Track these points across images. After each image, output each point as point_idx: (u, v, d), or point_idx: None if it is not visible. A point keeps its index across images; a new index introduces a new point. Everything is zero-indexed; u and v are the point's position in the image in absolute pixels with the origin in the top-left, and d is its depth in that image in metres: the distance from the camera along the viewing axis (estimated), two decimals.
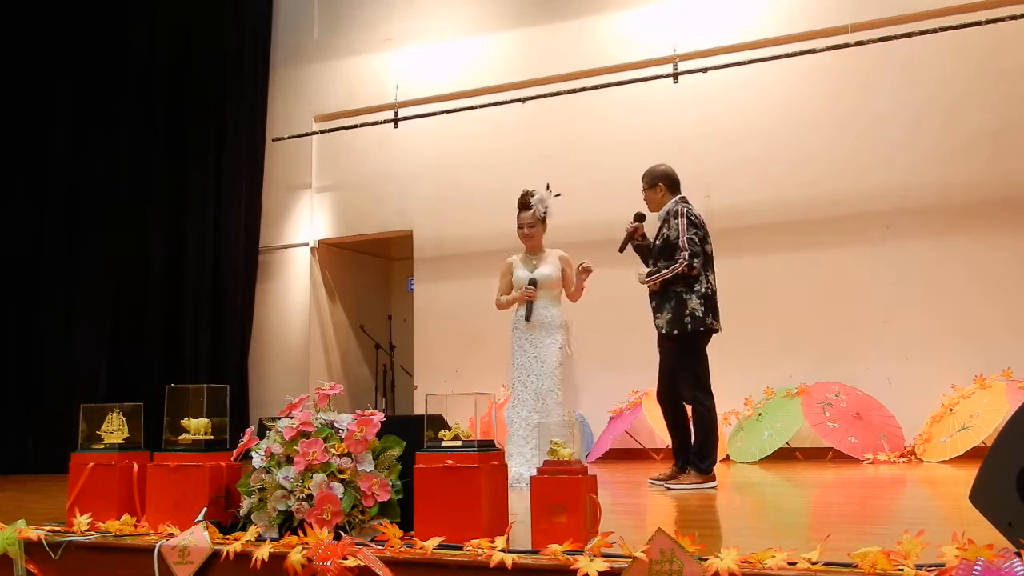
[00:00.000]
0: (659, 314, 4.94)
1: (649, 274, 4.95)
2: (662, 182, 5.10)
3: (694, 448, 4.90)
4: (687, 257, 4.80)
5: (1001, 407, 6.24)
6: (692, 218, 4.91)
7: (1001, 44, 7.06)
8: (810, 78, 7.64)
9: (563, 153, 8.30)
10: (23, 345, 8.05)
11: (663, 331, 4.91)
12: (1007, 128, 7.05)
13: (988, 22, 6.85)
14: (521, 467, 4.98)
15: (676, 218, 4.91)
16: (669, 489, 4.76)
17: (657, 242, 5.00)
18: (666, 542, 2.18)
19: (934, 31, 7.00)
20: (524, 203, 5.35)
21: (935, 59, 7.28)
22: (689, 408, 5.00)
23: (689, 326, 4.84)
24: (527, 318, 5.22)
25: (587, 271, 5.26)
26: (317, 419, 2.97)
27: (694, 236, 4.86)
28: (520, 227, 5.37)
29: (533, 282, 5.24)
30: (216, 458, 3.15)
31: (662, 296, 4.92)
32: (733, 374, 7.20)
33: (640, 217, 5.21)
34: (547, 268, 5.30)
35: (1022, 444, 2.27)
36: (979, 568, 1.92)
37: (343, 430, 2.92)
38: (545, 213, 5.34)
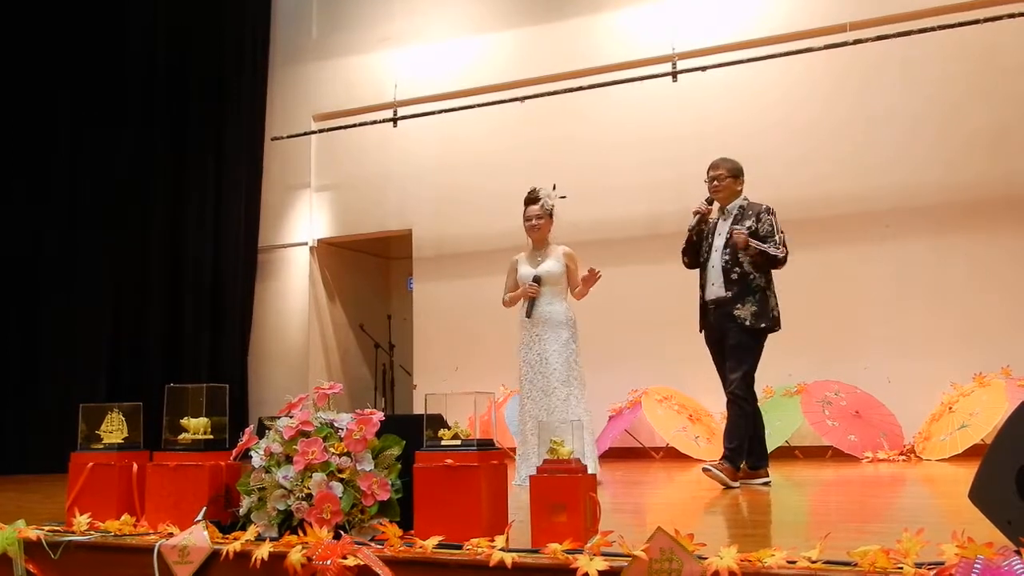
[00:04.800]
0: (740, 305, 4.85)
1: (753, 238, 4.85)
2: (742, 176, 5.11)
3: (732, 445, 4.81)
4: (786, 252, 4.90)
5: (1000, 405, 6.24)
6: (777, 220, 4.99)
7: (1000, 43, 7.07)
8: (809, 77, 7.65)
9: (562, 152, 8.30)
10: (23, 345, 8.05)
11: (747, 323, 4.83)
12: (1006, 127, 7.05)
13: (987, 20, 6.86)
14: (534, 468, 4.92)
15: (770, 215, 4.96)
16: (708, 471, 4.69)
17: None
18: (666, 541, 2.17)
19: (932, 29, 7.00)
20: (532, 197, 5.35)
21: (934, 58, 7.28)
22: (729, 402, 4.91)
23: (771, 322, 4.90)
24: (528, 315, 5.19)
25: (594, 277, 5.21)
26: (316, 418, 2.96)
27: (783, 236, 4.95)
28: (527, 219, 5.34)
29: (537, 279, 5.22)
30: (215, 457, 3.14)
31: (746, 288, 4.86)
32: None
33: (711, 201, 5.13)
34: (550, 264, 5.29)
35: (1022, 442, 2.27)
36: (979, 566, 1.92)
37: (342, 429, 2.91)
38: (552, 208, 5.34)
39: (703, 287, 5.07)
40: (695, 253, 5.14)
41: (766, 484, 4.90)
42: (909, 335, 7.10)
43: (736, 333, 4.87)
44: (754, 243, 4.83)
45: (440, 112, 8.68)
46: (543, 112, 8.38)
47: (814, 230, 7.50)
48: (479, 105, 8.54)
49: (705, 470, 4.73)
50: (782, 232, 4.96)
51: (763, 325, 4.87)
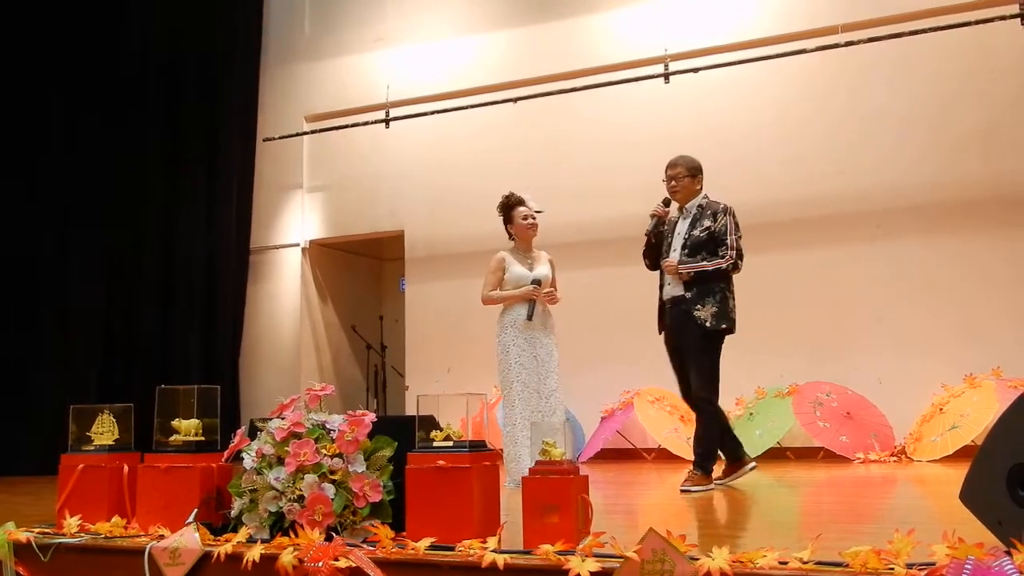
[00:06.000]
0: (700, 307, 4.78)
1: (683, 262, 4.82)
2: (700, 175, 5.03)
3: (702, 449, 4.80)
4: (735, 256, 4.81)
5: (991, 406, 6.26)
6: (737, 220, 4.90)
7: (991, 44, 7.09)
8: (801, 78, 7.66)
9: (554, 153, 8.30)
10: (14, 346, 8.02)
11: (707, 324, 4.77)
12: (997, 128, 7.08)
13: (977, 22, 6.88)
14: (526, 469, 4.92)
15: (726, 215, 4.87)
16: (688, 492, 4.62)
17: (698, 233, 4.87)
18: (658, 542, 2.18)
19: (924, 31, 7.02)
20: (518, 200, 5.34)
21: (925, 59, 7.31)
22: (696, 409, 4.91)
23: (730, 324, 4.84)
24: (530, 317, 5.15)
25: (539, 295, 5.22)
26: (308, 420, 2.96)
27: (739, 238, 4.87)
28: (525, 219, 5.30)
29: (537, 281, 5.21)
30: (207, 459, 3.14)
31: (704, 289, 4.81)
32: (724, 374, 7.18)
33: (668, 203, 5.10)
34: (545, 268, 5.29)
35: (1012, 443, 2.28)
36: (969, 566, 1.93)
37: (334, 431, 2.91)
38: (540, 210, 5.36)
39: (661, 287, 5.02)
40: (656, 255, 5.08)
41: (753, 468, 4.94)
42: (900, 336, 7.12)
43: (695, 337, 4.81)
44: (684, 268, 4.81)
45: (433, 113, 8.67)
46: (536, 113, 8.37)
47: (806, 230, 7.53)
48: (472, 106, 8.54)
49: (683, 491, 4.63)
50: (738, 234, 4.87)
51: (723, 327, 4.83)
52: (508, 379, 5.14)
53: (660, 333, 5.08)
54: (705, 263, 4.80)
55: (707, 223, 4.87)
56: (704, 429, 4.85)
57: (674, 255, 4.91)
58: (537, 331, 5.18)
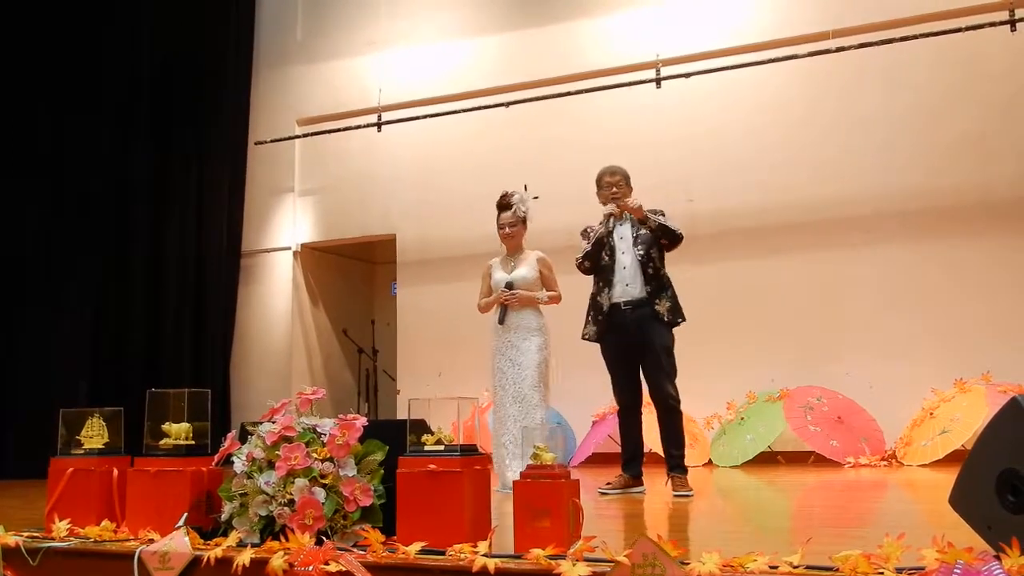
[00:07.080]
0: (658, 301, 4.87)
1: (641, 257, 4.90)
2: (630, 182, 5.19)
3: (680, 451, 4.82)
4: (681, 236, 4.95)
5: (981, 411, 6.28)
6: None
7: (981, 51, 7.12)
8: (792, 84, 7.69)
9: (547, 157, 8.30)
10: (2, 347, 7.99)
11: (665, 319, 4.86)
12: (988, 133, 7.11)
13: (968, 29, 6.91)
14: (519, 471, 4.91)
15: (664, 215, 5.01)
16: (685, 497, 4.60)
17: (645, 232, 4.96)
18: (648, 546, 2.18)
19: (915, 37, 7.06)
20: (505, 203, 5.35)
21: (916, 65, 7.34)
22: (669, 410, 4.88)
23: (683, 316, 4.94)
24: (501, 321, 5.19)
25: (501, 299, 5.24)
26: (299, 423, 2.95)
27: None
28: (501, 227, 5.34)
29: (509, 285, 5.21)
30: (197, 463, 3.13)
31: (660, 283, 4.91)
32: (715, 378, 7.23)
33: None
34: (523, 270, 5.28)
35: (1002, 448, 2.29)
36: (959, 571, 1.93)
37: (325, 434, 2.90)
38: (525, 213, 5.34)
39: (609, 287, 4.97)
40: (599, 258, 5.06)
41: (640, 492, 4.93)
42: (891, 340, 7.14)
43: (660, 335, 4.87)
44: (652, 217, 4.92)
45: (425, 117, 8.67)
46: (528, 117, 8.38)
47: (796, 234, 7.55)
48: (464, 110, 8.54)
49: (678, 497, 4.62)
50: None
51: (679, 320, 4.94)
52: (493, 383, 5.25)
53: (592, 339, 5.07)
54: (664, 221, 4.94)
55: (655, 216, 4.98)
56: (678, 430, 4.89)
57: (625, 257, 4.98)
58: (511, 334, 5.20)
